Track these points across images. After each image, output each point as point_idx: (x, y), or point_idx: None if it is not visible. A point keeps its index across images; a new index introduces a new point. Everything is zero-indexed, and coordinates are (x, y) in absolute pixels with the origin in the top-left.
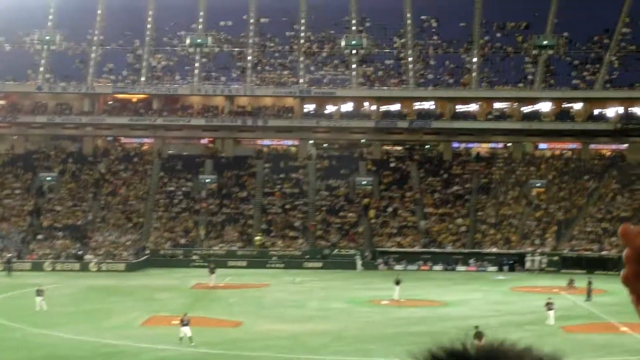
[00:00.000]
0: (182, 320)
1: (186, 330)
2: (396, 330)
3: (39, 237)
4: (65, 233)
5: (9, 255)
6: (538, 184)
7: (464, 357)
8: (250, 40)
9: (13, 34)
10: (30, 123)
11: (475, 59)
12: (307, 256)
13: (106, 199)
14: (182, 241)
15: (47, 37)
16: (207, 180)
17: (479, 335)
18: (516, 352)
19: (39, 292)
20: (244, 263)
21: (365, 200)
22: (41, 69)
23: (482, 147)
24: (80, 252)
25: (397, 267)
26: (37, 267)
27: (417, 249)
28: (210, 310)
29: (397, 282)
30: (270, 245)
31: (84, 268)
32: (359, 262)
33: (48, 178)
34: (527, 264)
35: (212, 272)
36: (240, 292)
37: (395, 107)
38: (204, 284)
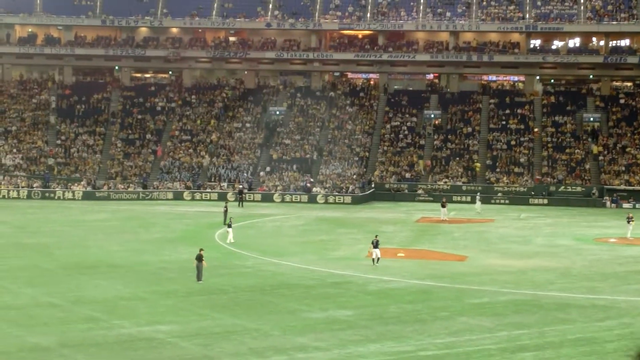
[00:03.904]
0: (373, 243)
1: (377, 252)
2: (625, 269)
3: (268, 169)
4: (293, 166)
5: (241, 186)
6: None
7: None
8: None
9: None
10: (259, 58)
11: None
12: (533, 192)
13: (333, 132)
14: (407, 175)
15: None
16: (432, 116)
17: None
18: None
19: (230, 225)
20: (469, 198)
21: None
22: (270, 6)
23: None
24: (308, 185)
25: (625, 205)
26: (267, 198)
27: None
28: (435, 244)
29: (628, 220)
30: (495, 181)
31: (312, 200)
32: (478, 202)
33: (277, 112)
34: None
35: (443, 205)
36: (466, 227)
37: (625, 42)
38: (428, 218)
